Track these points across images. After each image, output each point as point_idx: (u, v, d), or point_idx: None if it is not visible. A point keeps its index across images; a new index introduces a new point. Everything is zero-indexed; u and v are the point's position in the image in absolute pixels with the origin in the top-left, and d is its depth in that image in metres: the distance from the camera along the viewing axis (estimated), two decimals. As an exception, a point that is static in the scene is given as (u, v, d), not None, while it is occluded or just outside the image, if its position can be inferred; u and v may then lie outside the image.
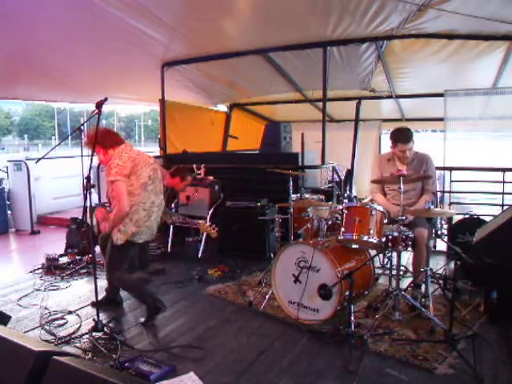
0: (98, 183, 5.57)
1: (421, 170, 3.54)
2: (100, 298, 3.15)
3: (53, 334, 2.90)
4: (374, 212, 3.05)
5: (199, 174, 5.25)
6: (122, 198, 2.97)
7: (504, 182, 4.92)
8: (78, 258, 4.64)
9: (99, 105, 2.89)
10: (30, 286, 3.90)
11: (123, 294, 3.58)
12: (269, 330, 2.98)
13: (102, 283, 3.95)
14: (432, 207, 3.16)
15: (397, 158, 3.61)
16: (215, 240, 4.90)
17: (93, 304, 3.39)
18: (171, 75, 5.92)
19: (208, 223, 4.07)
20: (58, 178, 7.67)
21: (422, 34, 4.29)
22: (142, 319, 3.13)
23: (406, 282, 3.67)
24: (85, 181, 2.91)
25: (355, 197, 5.87)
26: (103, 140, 3.06)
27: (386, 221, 3.22)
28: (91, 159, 2.89)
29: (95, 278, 2.86)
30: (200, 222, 4.08)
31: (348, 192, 6.07)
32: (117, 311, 3.35)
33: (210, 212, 4.84)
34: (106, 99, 2.98)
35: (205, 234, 4.82)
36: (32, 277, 4.19)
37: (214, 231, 3.92)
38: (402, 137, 3.50)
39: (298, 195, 3.95)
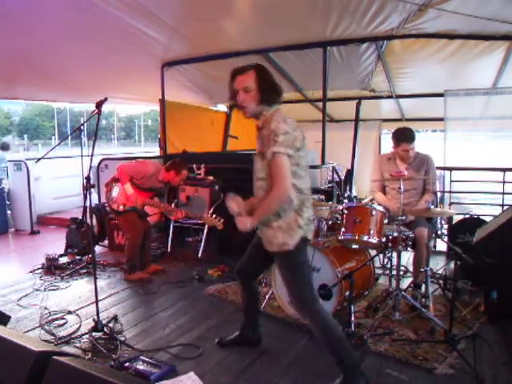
0: (97, 183, 5.56)
1: (421, 170, 3.55)
2: (229, 337, 2.76)
3: (53, 334, 2.90)
4: (374, 212, 3.05)
5: (199, 174, 5.25)
6: (286, 177, 2.07)
7: (504, 182, 4.92)
8: (77, 257, 4.65)
9: (99, 105, 2.90)
10: (29, 286, 3.90)
11: (126, 292, 3.57)
12: (269, 330, 2.98)
13: (102, 283, 3.98)
14: (432, 207, 3.15)
15: (398, 158, 3.62)
16: (215, 240, 4.91)
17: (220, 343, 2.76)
18: (171, 75, 5.91)
19: (213, 215, 3.99)
20: (58, 178, 7.67)
21: (422, 34, 4.29)
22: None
23: (406, 282, 3.67)
24: (85, 181, 2.91)
25: (355, 197, 5.87)
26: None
27: (386, 221, 3.22)
28: (91, 159, 2.89)
29: (95, 278, 2.86)
30: (204, 215, 4.04)
31: (348, 192, 6.06)
32: (119, 312, 3.35)
33: (210, 212, 4.83)
34: (105, 99, 2.98)
35: (205, 233, 4.83)
36: (32, 277, 4.19)
37: (219, 223, 3.86)
38: (405, 137, 3.51)
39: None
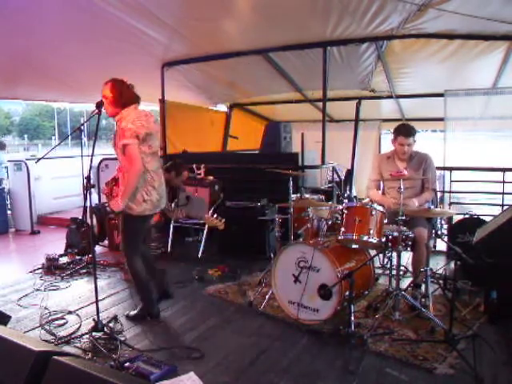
0: (98, 183, 5.56)
1: (420, 168, 3.56)
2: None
3: (53, 334, 2.90)
4: (374, 212, 3.05)
5: (199, 174, 5.25)
6: (137, 159, 2.84)
7: (504, 182, 4.92)
8: (77, 258, 4.64)
9: (99, 105, 2.90)
10: (29, 286, 3.90)
11: (126, 292, 3.57)
12: (269, 330, 2.98)
13: (102, 283, 3.97)
14: (432, 207, 3.15)
15: (396, 156, 3.62)
16: (215, 240, 4.91)
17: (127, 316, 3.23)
18: (171, 75, 5.92)
19: (214, 216, 3.98)
20: (58, 178, 7.66)
21: (422, 34, 4.29)
22: (132, 313, 3.17)
23: (406, 282, 3.67)
24: (85, 181, 2.90)
25: (355, 197, 5.88)
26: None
27: (385, 221, 3.22)
28: (91, 159, 2.89)
29: (95, 278, 2.86)
30: (205, 215, 4.03)
31: (348, 192, 6.07)
32: (118, 311, 3.35)
33: (210, 212, 4.83)
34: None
35: (205, 233, 4.83)
36: (32, 277, 4.19)
37: (220, 223, 3.85)
38: (403, 130, 3.57)
39: (298, 195, 3.94)
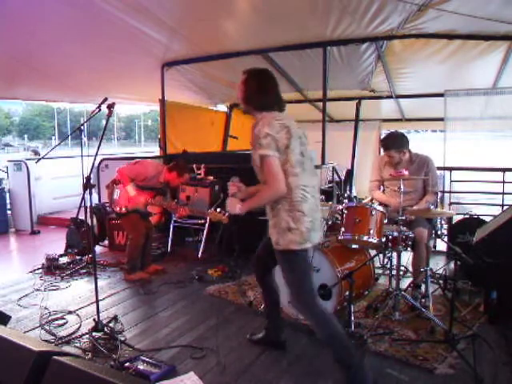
0: (98, 183, 5.56)
1: (422, 172, 3.54)
2: (256, 336, 2.81)
3: (53, 334, 2.90)
4: (374, 212, 3.05)
5: (199, 174, 5.25)
6: (277, 175, 2.17)
7: (504, 182, 4.92)
8: (77, 257, 4.65)
9: (111, 106, 2.89)
10: (30, 286, 3.90)
11: (126, 292, 3.57)
12: (269, 330, 2.98)
13: (102, 283, 3.97)
14: (432, 207, 3.15)
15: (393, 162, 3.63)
16: (215, 240, 4.91)
17: None
18: (171, 75, 5.92)
19: (217, 210, 3.93)
20: (58, 178, 7.66)
21: (421, 34, 4.29)
22: None
23: (406, 282, 3.67)
24: (84, 180, 2.90)
25: (355, 197, 5.87)
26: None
27: (385, 221, 3.22)
28: (94, 158, 2.88)
29: (95, 278, 2.86)
30: (209, 210, 4.00)
31: (348, 192, 6.07)
32: (120, 312, 3.35)
33: (214, 207, 4.83)
34: (106, 99, 2.99)
35: (205, 233, 4.83)
36: (32, 277, 4.19)
37: (224, 217, 3.82)
38: (384, 144, 3.61)
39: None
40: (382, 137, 3.70)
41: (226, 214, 3.78)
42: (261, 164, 2.21)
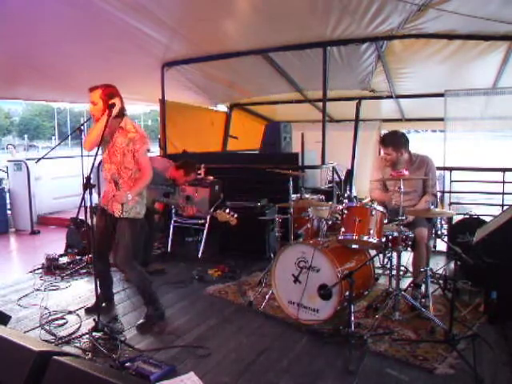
0: (98, 183, 5.56)
1: (421, 172, 3.53)
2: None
3: (53, 334, 2.90)
4: (374, 212, 3.05)
5: (199, 174, 5.25)
6: (149, 166, 3.00)
7: (504, 182, 4.92)
8: (78, 257, 4.64)
9: (111, 107, 2.89)
10: (30, 286, 3.90)
11: (126, 292, 3.57)
12: (269, 330, 2.98)
13: (102, 283, 3.97)
14: (432, 207, 3.15)
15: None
16: (215, 240, 4.91)
17: (87, 310, 3.29)
18: (171, 75, 5.92)
19: (226, 211, 3.88)
20: (58, 178, 7.66)
21: (422, 34, 4.29)
22: (140, 322, 3.05)
23: (406, 282, 3.67)
24: (84, 180, 2.90)
25: (355, 197, 5.86)
26: None
27: (385, 221, 3.22)
28: (94, 158, 2.88)
29: (95, 278, 2.86)
30: (217, 211, 3.97)
31: (348, 192, 6.07)
32: (115, 311, 3.35)
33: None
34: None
35: (205, 233, 4.83)
36: (32, 277, 4.19)
37: (233, 218, 3.79)
38: (383, 139, 3.60)
39: (298, 195, 3.95)
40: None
41: (235, 216, 3.77)
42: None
